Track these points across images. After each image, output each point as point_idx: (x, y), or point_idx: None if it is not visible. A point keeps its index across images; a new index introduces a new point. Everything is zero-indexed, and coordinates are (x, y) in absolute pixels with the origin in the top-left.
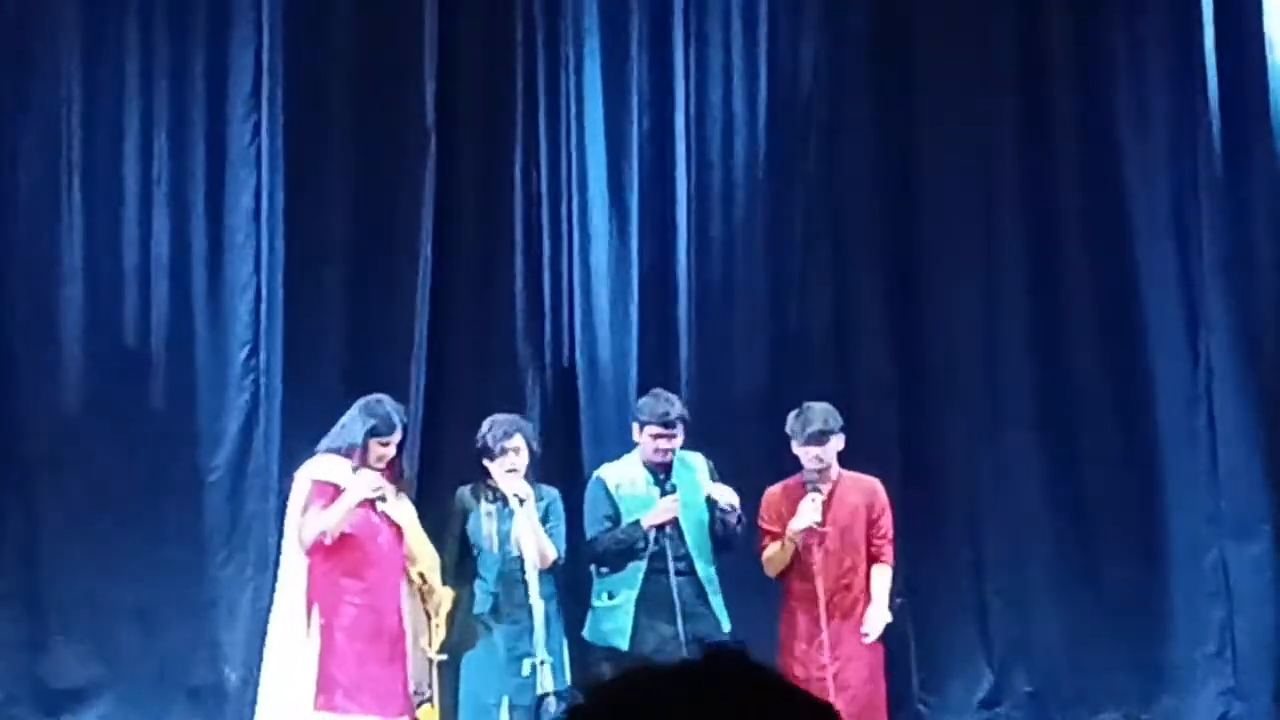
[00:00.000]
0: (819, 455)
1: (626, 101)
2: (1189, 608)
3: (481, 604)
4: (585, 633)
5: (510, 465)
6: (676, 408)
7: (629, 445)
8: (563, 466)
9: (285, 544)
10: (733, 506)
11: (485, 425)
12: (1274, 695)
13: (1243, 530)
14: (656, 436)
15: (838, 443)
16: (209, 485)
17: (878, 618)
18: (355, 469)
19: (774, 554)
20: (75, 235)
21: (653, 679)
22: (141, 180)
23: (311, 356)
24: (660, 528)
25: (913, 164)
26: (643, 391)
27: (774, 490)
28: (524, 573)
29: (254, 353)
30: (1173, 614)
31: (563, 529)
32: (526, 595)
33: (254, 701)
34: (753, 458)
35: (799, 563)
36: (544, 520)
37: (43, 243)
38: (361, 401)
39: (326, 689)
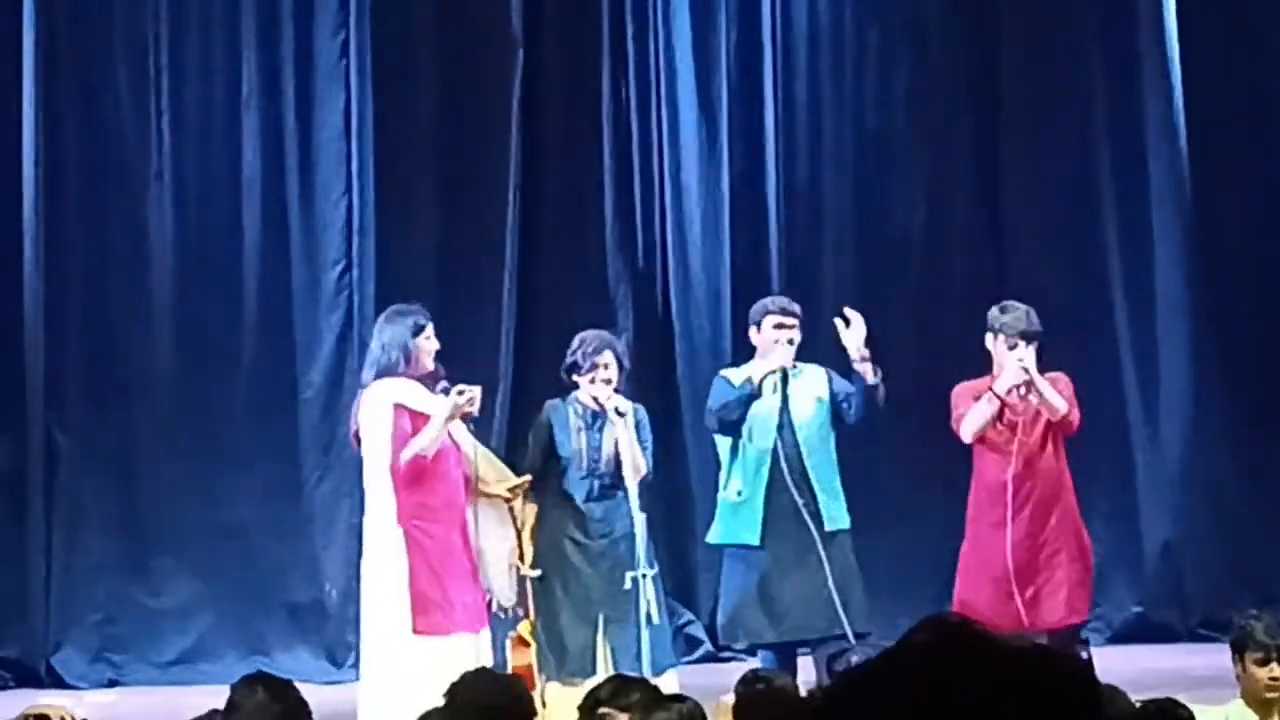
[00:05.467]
0: (1024, 354)
1: (713, 11)
2: None
3: (572, 519)
4: (710, 536)
5: (603, 379)
6: (795, 305)
7: (722, 355)
8: (658, 378)
9: (368, 470)
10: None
11: (575, 342)
12: None
13: None
14: (778, 327)
15: (1034, 349)
16: (304, 403)
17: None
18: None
19: (977, 410)
20: (165, 157)
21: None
22: (230, 100)
23: (404, 272)
24: (779, 427)
25: (1002, 66)
26: (736, 301)
27: (965, 384)
28: (619, 486)
29: (347, 270)
30: None
31: (650, 444)
32: (624, 508)
33: (354, 619)
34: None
35: (998, 451)
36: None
37: (134, 165)
38: (382, 318)
39: (424, 611)
